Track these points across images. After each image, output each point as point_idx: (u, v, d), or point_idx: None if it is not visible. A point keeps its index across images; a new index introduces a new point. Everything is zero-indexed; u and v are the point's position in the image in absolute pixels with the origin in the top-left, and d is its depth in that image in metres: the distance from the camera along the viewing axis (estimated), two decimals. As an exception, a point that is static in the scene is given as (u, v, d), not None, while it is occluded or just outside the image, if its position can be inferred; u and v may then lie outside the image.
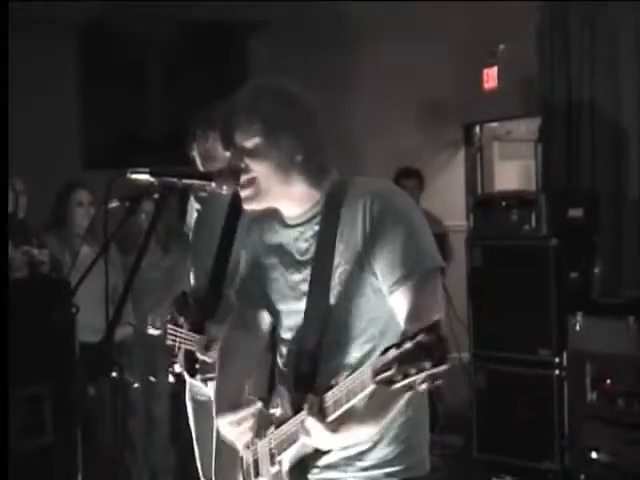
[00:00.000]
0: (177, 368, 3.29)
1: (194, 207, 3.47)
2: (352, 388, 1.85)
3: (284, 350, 2.26)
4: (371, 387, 1.77)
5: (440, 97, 7.00)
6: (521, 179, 7.29)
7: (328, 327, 2.12)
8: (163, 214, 2.28)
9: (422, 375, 1.62)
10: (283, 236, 2.23)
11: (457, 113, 7.12)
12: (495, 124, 7.29)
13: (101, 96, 6.91)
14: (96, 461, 4.13)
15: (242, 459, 2.32)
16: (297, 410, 2.07)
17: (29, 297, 4.13)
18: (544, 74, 6.04)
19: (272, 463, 2.18)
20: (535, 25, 6.08)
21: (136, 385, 5.09)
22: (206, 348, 3.12)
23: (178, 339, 3.27)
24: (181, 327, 3.27)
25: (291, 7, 6.35)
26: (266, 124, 2.10)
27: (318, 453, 2.12)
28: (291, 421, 2.10)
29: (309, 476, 2.16)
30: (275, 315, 2.30)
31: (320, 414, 1.93)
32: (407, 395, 1.92)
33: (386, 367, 1.68)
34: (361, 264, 2.08)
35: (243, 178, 2.13)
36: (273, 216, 2.25)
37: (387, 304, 2.10)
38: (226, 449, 2.40)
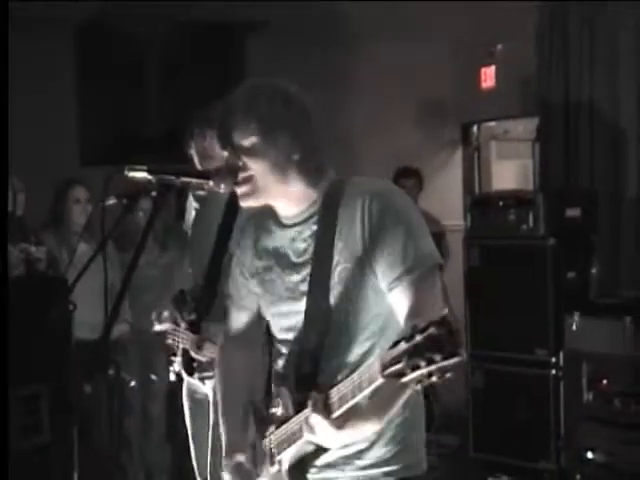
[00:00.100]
0: (176, 367, 3.29)
1: (193, 206, 3.47)
2: (359, 383, 1.84)
3: (284, 350, 2.25)
4: (379, 381, 1.76)
5: (439, 97, 7.00)
6: (519, 179, 7.26)
7: (329, 326, 2.12)
8: (161, 212, 2.27)
9: (432, 367, 1.62)
10: (279, 238, 2.23)
11: (455, 112, 7.12)
12: (493, 123, 7.26)
13: (100, 95, 6.90)
14: (92, 460, 4.12)
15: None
16: (299, 410, 2.06)
17: (26, 294, 4.11)
18: (542, 74, 6.04)
19: (272, 463, 2.18)
20: (534, 25, 6.07)
21: (133, 383, 5.08)
22: (198, 347, 3.12)
23: (177, 337, 3.28)
24: (179, 325, 3.27)
25: (290, 7, 6.33)
26: (263, 123, 2.10)
27: (317, 452, 2.12)
28: (292, 420, 2.09)
29: (308, 475, 2.17)
30: (271, 316, 2.29)
31: (325, 410, 1.92)
32: (408, 392, 1.93)
33: (395, 360, 1.68)
34: (361, 263, 2.09)
35: (240, 176, 2.13)
36: (269, 216, 2.25)
37: (387, 301, 2.10)
38: (222, 448, 2.40)
